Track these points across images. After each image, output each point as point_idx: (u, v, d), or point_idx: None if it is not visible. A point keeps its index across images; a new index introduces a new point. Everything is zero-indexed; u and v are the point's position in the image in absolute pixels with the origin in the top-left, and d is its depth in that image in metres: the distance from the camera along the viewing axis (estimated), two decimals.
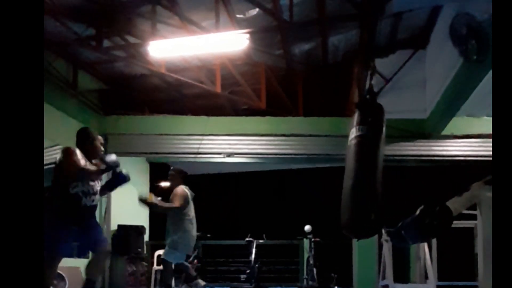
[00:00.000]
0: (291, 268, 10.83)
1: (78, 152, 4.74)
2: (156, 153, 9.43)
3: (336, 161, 9.80)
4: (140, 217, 10.01)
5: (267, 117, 9.39)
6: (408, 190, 10.64)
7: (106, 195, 7.60)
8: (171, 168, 7.14)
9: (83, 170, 4.67)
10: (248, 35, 6.69)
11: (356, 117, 5.55)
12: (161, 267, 9.54)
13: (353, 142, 5.46)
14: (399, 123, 8.46)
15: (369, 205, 5.20)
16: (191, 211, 6.88)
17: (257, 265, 9.07)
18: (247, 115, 9.86)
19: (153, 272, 9.41)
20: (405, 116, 8.76)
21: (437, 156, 9.09)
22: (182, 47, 7.04)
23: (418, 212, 4.30)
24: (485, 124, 8.40)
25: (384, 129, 5.52)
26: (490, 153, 2.57)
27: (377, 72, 7.70)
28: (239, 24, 7.52)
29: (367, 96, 5.93)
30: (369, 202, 5.21)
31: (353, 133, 5.48)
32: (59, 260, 4.77)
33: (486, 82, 5.98)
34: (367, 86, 6.17)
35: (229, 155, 9.32)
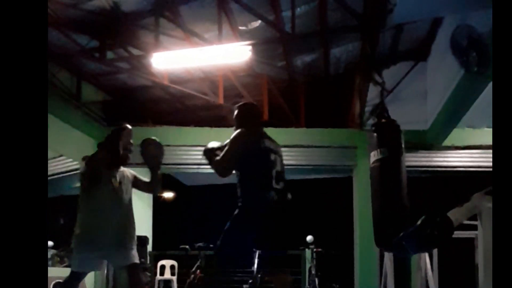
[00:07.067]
0: (293, 278, 10.80)
1: None
2: None
3: (338, 172, 9.83)
4: (143, 227, 9.99)
5: (269, 128, 9.20)
6: (409, 200, 10.62)
7: None
8: None
9: None
10: (250, 47, 6.74)
11: (375, 139, 5.65)
12: (164, 276, 9.60)
13: (376, 164, 5.60)
14: None
15: (400, 222, 5.31)
16: None
17: (259, 275, 9.04)
18: None
19: (156, 282, 9.41)
20: (406, 127, 8.71)
21: (438, 166, 9.11)
22: (185, 59, 7.08)
23: (419, 222, 4.30)
24: (486, 135, 8.43)
25: (403, 147, 5.66)
26: (491, 164, 2.58)
27: (381, 85, 7.75)
28: (242, 36, 7.57)
29: (380, 116, 6.02)
30: (400, 220, 5.34)
31: (375, 156, 5.61)
32: None
33: (487, 93, 6.02)
34: (380, 105, 6.26)
35: None
